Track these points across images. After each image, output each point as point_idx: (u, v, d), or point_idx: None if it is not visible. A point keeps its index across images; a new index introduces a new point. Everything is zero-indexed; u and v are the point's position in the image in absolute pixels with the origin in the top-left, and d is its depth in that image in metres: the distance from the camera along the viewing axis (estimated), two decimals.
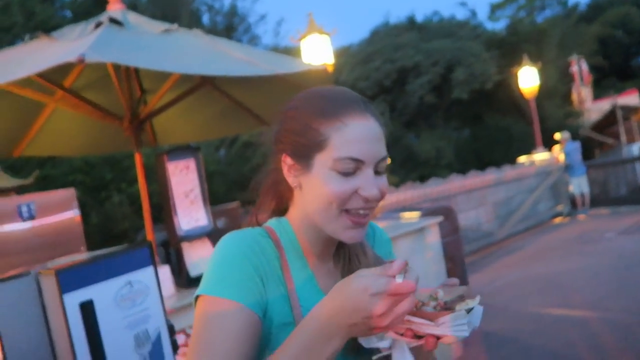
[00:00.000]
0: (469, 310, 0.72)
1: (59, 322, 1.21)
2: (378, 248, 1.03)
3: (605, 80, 25.94)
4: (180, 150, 2.74)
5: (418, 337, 0.75)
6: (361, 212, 0.84)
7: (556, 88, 20.82)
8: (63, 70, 3.06)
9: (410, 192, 7.10)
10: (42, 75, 2.73)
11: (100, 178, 8.03)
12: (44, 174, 7.97)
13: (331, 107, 0.85)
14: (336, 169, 0.83)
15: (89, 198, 7.50)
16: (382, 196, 0.85)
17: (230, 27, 16.31)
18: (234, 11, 16.38)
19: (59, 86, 2.92)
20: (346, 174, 0.82)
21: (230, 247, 0.85)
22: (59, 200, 2.39)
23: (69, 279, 1.21)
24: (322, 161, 0.84)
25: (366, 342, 0.79)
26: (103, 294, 1.26)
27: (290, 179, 0.89)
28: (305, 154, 0.86)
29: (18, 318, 1.22)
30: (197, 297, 0.83)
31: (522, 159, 11.30)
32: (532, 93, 11.93)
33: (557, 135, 10.44)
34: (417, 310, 0.75)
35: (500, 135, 19.51)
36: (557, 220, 9.91)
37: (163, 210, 2.75)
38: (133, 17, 3.00)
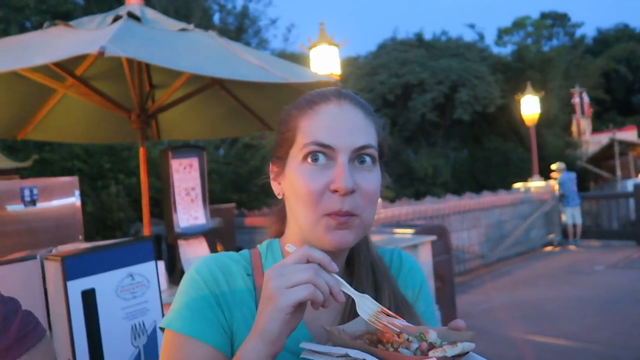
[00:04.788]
0: (454, 358, 0.61)
1: (59, 307, 1.23)
2: (404, 279, 0.89)
3: (606, 114, 26.18)
4: (185, 148, 2.77)
5: None
6: (342, 211, 0.69)
7: (557, 117, 21.02)
8: (76, 58, 3.09)
9: (406, 208, 7.15)
10: (56, 62, 2.76)
11: (98, 166, 8.02)
12: (42, 157, 7.96)
13: (305, 100, 0.78)
14: (305, 158, 0.72)
15: (85, 186, 7.50)
16: (368, 194, 0.71)
17: (240, 28, 16.39)
18: (246, 13, 16.48)
19: (70, 74, 2.95)
20: (315, 162, 0.71)
21: (191, 276, 0.77)
22: (61, 187, 2.41)
23: (74, 267, 1.24)
24: (294, 155, 0.74)
25: None
26: (105, 283, 1.29)
27: (275, 186, 0.80)
28: (281, 154, 0.78)
29: (20, 300, 1.25)
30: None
31: (518, 185, 11.39)
32: (533, 121, 12.05)
33: (553, 166, 10.58)
34: (392, 350, 0.63)
35: (498, 159, 19.66)
36: (548, 248, 9.97)
37: (162, 205, 2.78)
38: (150, 13, 3.04)
